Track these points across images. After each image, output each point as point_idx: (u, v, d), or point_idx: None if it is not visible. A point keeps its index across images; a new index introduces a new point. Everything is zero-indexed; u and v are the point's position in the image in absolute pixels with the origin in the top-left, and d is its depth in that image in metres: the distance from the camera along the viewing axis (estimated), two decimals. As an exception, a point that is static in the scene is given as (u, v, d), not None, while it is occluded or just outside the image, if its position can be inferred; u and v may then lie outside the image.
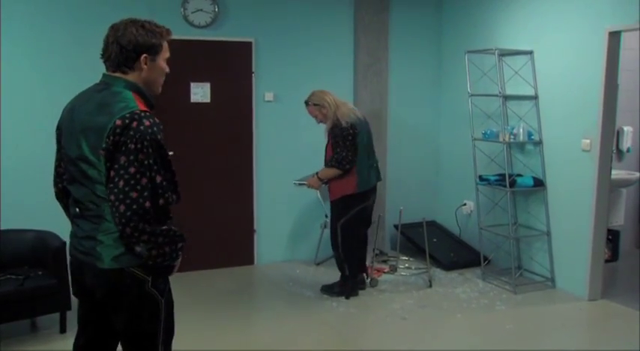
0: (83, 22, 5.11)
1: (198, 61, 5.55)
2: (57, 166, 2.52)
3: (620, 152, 6.34)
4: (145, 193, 2.13)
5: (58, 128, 2.47)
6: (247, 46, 5.68)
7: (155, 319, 2.42)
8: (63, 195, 2.54)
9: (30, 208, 5.02)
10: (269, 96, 5.81)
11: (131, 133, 2.11)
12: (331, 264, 5.98)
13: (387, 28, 6.18)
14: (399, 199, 6.25)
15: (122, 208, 2.10)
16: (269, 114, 5.84)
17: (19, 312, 4.09)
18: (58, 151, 2.47)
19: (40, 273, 4.27)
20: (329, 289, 5.08)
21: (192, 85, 5.54)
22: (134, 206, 2.11)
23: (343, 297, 4.96)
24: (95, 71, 5.30)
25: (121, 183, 2.11)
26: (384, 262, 5.94)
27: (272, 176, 5.94)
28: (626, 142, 6.30)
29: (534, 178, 5.26)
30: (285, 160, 5.95)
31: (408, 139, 6.46)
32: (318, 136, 6.07)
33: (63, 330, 4.25)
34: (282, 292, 5.20)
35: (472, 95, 5.55)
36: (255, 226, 5.94)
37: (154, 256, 2.22)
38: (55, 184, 2.56)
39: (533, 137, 5.33)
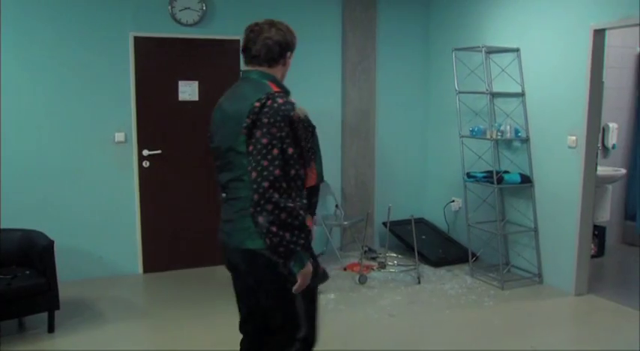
0: (73, 20, 5.10)
1: (186, 59, 5.54)
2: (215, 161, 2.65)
3: (605, 149, 6.40)
4: (276, 162, 2.27)
5: (210, 127, 2.64)
6: (235, 44, 5.66)
7: (288, 297, 2.43)
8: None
9: (17, 207, 5.00)
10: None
11: (265, 109, 2.30)
12: (320, 261, 5.98)
13: (375, 26, 6.19)
14: (388, 196, 6.28)
15: (254, 174, 2.27)
16: (257, 112, 5.83)
17: (6, 312, 4.06)
18: (210, 146, 2.64)
19: (27, 272, 4.25)
20: None
21: (180, 83, 5.52)
22: (264, 173, 2.25)
23: (322, 282, 4.84)
24: (92, 70, 5.32)
25: (255, 152, 2.28)
26: (373, 259, 5.96)
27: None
28: (612, 139, 6.36)
29: (521, 175, 5.30)
30: (274, 158, 5.95)
31: (396, 137, 6.49)
32: (306, 134, 6.09)
33: (51, 329, 4.23)
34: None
35: (460, 92, 5.58)
36: (244, 224, 5.94)
37: (272, 234, 2.25)
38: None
39: (520, 134, 5.36)
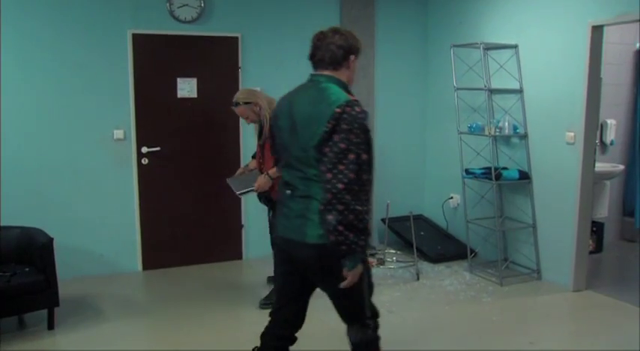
0: (71, 17, 5.10)
1: (185, 56, 5.54)
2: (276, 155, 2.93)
3: (603, 145, 6.41)
4: (351, 167, 2.44)
5: (274, 123, 2.84)
6: (234, 41, 5.67)
7: (359, 283, 2.64)
8: None
9: (16, 204, 5.01)
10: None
11: (345, 116, 2.47)
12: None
13: (374, 23, 6.19)
14: (387, 193, 6.27)
15: (329, 175, 2.45)
16: (256, 109, 5.83)
17: (6, 309, 4.06)
18: (274, 141, 2.88)
19: (27, 270, 4.25)
20: (269, 302, 4.55)
21: (179, 80, 5.52)
22: (340, 175, 2.43)
23: None
24: (91, 68, 5.32)
25: (332, 155, 2.46)
26: (372, 255, 5.95)
27: (259, 171, 5.94)
28: (610, 135, 6.37)
29: (520, 171, 5.31)
30: (273, 155, 5.96)
31: (395, 133, 6.49)
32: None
33: (51, 327, 4.24)
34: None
35: (458, 89, 5.58)
36: (243, 221, 5.95)
37: (338, 232, 2.43)
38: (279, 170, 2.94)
39: (518, 130, 5.37)
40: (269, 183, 4.46)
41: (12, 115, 5.00)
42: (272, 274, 4.91)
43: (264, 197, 4.69)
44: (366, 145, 2.51)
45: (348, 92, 2.66)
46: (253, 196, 6.01)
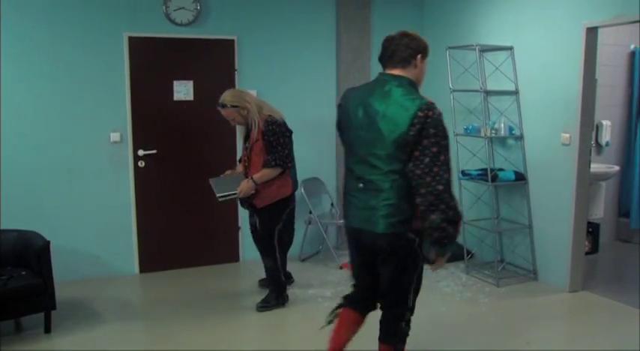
0: (67, 20, 5.11)
1: (181, 59, 5.54)
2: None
3: (599, 146, 6.44)
4: (444, 168, 2.67)
5: (345, 118, 2.98)
6: (230, 43, 5.68)
7: (413, 271, 2.97)
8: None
9: (13, 207, 5.01)
10: (252, 93, 5.80)
11: (429, 120, 2.66)
12: (316, 260, 6.04)
13: (370, 25, 6.21)
14: (383, 194, 6.29)
15: (428, 179, 2.65)
16: (252, 111, 5.84)
17: (2, 312, 4.06)
18: (344, 136, 3.04)
19: (23, 273, 4.25)
20: (267, 305, 4.71)
21: (175, 83, 5.52)
22: (437, 177, 2.65)
23: (282, 306, 4.75)
24: (87, 71, 5.32)
25: (427, 160, 2.65)
26: (369, 257, 5.97)
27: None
28: (605, 136, 6.40)
29: (516, 173, 5.32)
30: (269, 157, 5.97)
31: (391, 135, 6.50)
32: (299, 134, 6.10)
33: (48, 330, 4.24)
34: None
35: (454, 91, 5.60)
36: (240, 224, 5.95)
37: (441, 229, 2.69)
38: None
39: (514, 132, 5.39)
40: (253, 188, 4.44)
41: (9, 118, 5.00)
42: (264, 276, 4.96)
43: (248, 203, 4.63)
44: (446, 145, 2.74)
45: (417, 89, 2.86)
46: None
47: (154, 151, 5.51)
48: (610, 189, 6.49)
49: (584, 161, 4.94)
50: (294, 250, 6.05)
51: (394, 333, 3.11)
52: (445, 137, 2.71)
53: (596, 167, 5.91)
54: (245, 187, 4.43)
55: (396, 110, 2.73)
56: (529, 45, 5.23)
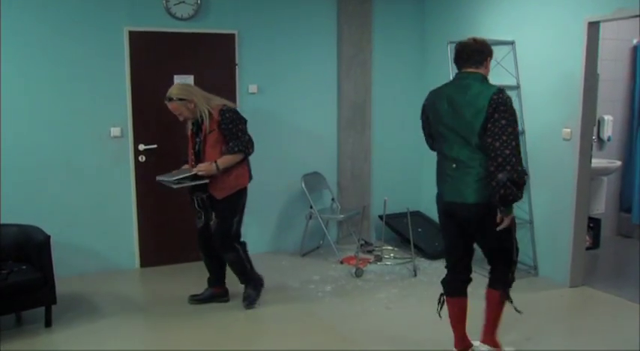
0: (67, 14, 5.11)
1: (181, 53, 5.53)
2: (427, 133, 3.66)
3: (600, 141, 6.42)
4: (512, 136, 3.20)
5: (432, 115, 3.52)
6: (230, 38, 5.67)
7: (508, 233, 3.42)
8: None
9: (14, 202, 5.01)
10: (253, 88, 5.81)
11: (500, 100, 3.23)
12: (317, 255, 6.04)
13: (371, 19, 6.19)
14: (384, 189, 6.29)
15: (497, 144, 3.17)
16: (253, 106, 5.83)
17: (2, 307, 4.07)
18: (430, 129, 3.60)
19: (24, 267, 4.25)
20: (252, 300, 4.65)
21: (176, 77, 5.49)
22: (505, 143, 3.17)
23: (262, 287, 4.76)
24: (87, 65, 5.30)
25: (497, 130, 3.19)
26: (370, 252, 5.97)
27: (256, 168, 5.90)
28: (607, 131, 6.38)
29: (517, 168, 5.30)
30: (270, 152, 5.95)
31: (392, 130, 6.50)
32: (302, 128, 6.11)
33: (48, 324, 4.26)
34: (267, 283, 5.18)
35: (455, 86, 5.58)
36: (241, 218, 5.95)
37: (507, 187, 3.14)
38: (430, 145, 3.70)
39: (515, 127, 5.36)
40: (213, 171, 4.29)
41: (9, 113, 4.99)
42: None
43: (202, 199, 4.47)
44: (514, 119, 3.25)
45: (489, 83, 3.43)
46: (249, 192, 5.99)
47: (155, 146, 5.51)
48: (612, 184, 6.48)
49: (585, 156, 4.93)
50: (294, 245, 6.09)
51: (503, 281, 3.67)
52: (513, 114, 3.25)
53: (597, 162, 5.89)
54: (205, 166, 4.29)
55: (475, 99, 3.28)
56: (531, 39, 5.21)
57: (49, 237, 4.29)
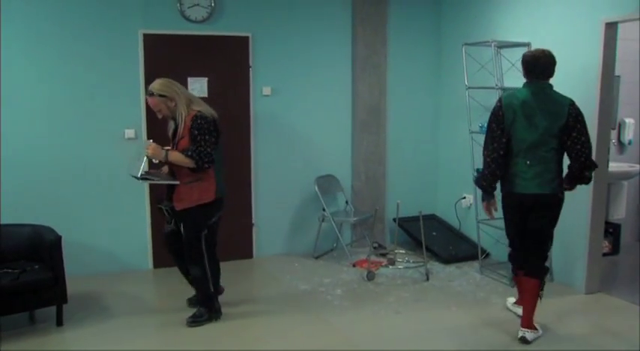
0: (82, 17, 5.17)
1: (196, 56, 5.57)
2: (500, 134, 3.98)
3: (621, 145, 6.27)
4: (589, 140, 3.88)
5: (505, 117, 3.94)
6: (244, 40, 5.68)
7: (556, 221, 4.10)
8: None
9: (28, 202, 5.09)
10: (266, 90, 5.82)
11: (577, 110, 3.90)
12: (329, 258, 6.02)
13: (386, 21, 6.15)
14: (399, 192, 6.26)
15: (579, 146, 3.84)
16: (267, 108, 5.85)
17: (15, 305, 4.14)
18: (502, 127, 3.97)
19: (36, 267, 4.31)
20: (197, 319, 4.36)
21: (190, 80, 5.55)
22: (585, 144, 3.84)
23: (215, 319, 4.42)
24: (102, 68, 5.36)
25: (579, 136, 3.85)
26: (383, 255, 5.93)
27: (270, 170, 5.96)
28: (628, 135, 6.23)
29: (532, 171, 5.22)
30: (283, 154, 5.97)
31: (407, 132, 6.45)
32: (316, 130, 6.10)
33: (60, 323, 4.31)
34: (278, 286, 5.22)
35: (469, 88, 5.51)
36: (254, 220, 5.97)
37: (588, 180, 3.99)
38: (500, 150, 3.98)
39: (530, 130, 5.27)
40: (161, 156, 4.09)
41: (23, 115, 5.08)
42: (191, 295, 4.69)
43: (167, 210, 4.34)
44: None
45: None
46: (263, 194, 6.03)
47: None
48: (632, 189, 6.31)
49: (602, 160, 4.81)
50: (307, 247, 6.08)
51: (541, 268, 4.12)
52: (585, 122, 3.89)
53: (617, 166, 5.77)
54: (154, 147, 4.11)
55: (555, 106, 3.87)
56: (547, 41, 5.09)
57: (60, 237, 4.34)
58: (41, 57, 5.10)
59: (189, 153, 4.06)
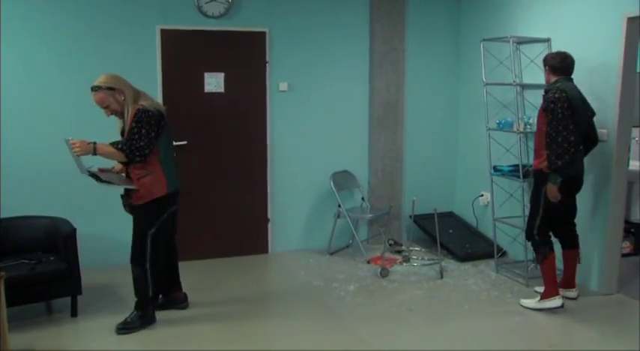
0: (101, 13, 5.26)
1: (212, 51, 5.61)
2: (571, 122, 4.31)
3: (643, 143, 6.13)
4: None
5: (575, 107, 4.32)
6: (261, 36, 5.70)
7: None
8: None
9: (44, 195, 5.18)
10: (283, 86, 5.83)
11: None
12: (345, 254, 6.01)
13: (404, 16, 6.11)
14: (416, 189, 6.23)
15: (593, 134, 4.54)
16: (283, 104, 5.86)
17: (31, 295, 4.23)
18: (572, 118, 4.32)
19: (52, 258, 4.41)
20: (128, 326, 4.19)
21: (206, 75, 5.59)
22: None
23: (147, 327, 4.23)
24: (120, 62, 5.40)
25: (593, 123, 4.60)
26: (398, 252, 5.90)
27: (286, 166, 5.97)
28: (651, 133, 6.08)
29: (550, 169, 5.14)
30: (299, 150, 5.98)
31: (425, 129, 6.41)
32: (332, 126, 6.10)
33: (74, 314, 4.39)
34: (292, 281, 5.23)
35: (487, 84, 5.45)
36: (270, 216, 5.99)
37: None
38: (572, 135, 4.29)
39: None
40: (89, 150, 3.93)
41: (42, 107, 5.18)
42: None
43: (125, 206, 4.27)
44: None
45: None
46: (278, 189, 6.05)
47: (185, 143, 5.60)
48: (657, 188, 6.17)
49: (622, 159, 4.73)
50: (322, 243, 6.08)
51: (577, 238, 4.68)
52: None
53: (638, 165, 5.64)
54: (80, 142, 3.91)
55: (585, 100, 4.47)
56: (566, 37, 5.03)
57: (75, 229, 4.42)
58: (61, 50, 5.20)
59: (120, 146, 3.95)
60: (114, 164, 4.30)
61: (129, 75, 5.28)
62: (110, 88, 3.96)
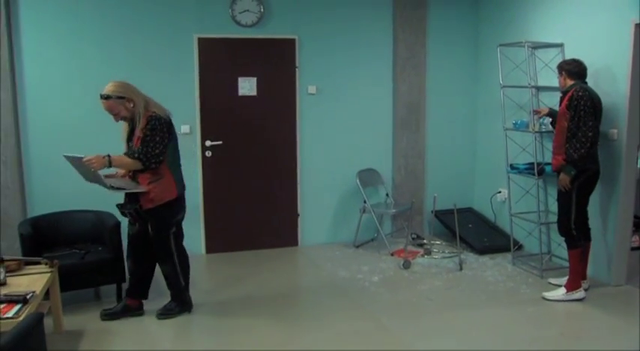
0: (148, 24, 5.67)
1: (245, 57, 5.97)
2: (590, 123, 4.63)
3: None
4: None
5: (597, 108, 4.69)
6: (291, 42, 6.06)
7: None
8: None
9: (91, 191, 5.50)
10: (312, 89, 6.18)
11: None
12: (370, 247, 6.33)
13: (425, 24, 6.41)
14: (438, 186, 6.51)
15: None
16: (312, 106, 6.22)
17: (81, 282, 4.64)
18: (593, 116, 4.65)
19: (99, 248, 4.83)
20: (168, 313, 4.50)
21: (240, 79, 5.96)
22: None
23: (187, 312, 4.57)
24: (162, 68, 5.75)
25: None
26: (420, 245, 6.21)
27: (315, 164, 6.32)
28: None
29: (564, 167, 5.39)
30: (327, 149, 6.33)
31: (446, 130, 6.71)
32: (358, 127, 6.42)
33: (119, 299, 4.75)
34: (320, 272, 5.55)
35: (504, 87, 5.72)
36: (299, 211, 6.36)
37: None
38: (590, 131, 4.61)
39: (563, 127, 5.44)
40: (105, 164, 4.05)
41: (90, 108, 5.43)
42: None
43: (131, 213, 4.31)
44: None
45: None
46: (308, 186, 6.36)
47: (220, 142, 5.99)
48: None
49: (631, 157, 4.96)
50: (349, 236, 6.41)
51: (589, 231, 4.97)
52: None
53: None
54: (96, 157, 4.01)
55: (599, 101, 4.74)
56: (579, 41, 5.27)
57: (119, 222, 4.80)
58: (111, 55, 5.60)
59: (137, 155, 4.07)
60: (115, 170, 4.43)
61: (170, 79, 5.75)
62: (120, 97, 4.07)
